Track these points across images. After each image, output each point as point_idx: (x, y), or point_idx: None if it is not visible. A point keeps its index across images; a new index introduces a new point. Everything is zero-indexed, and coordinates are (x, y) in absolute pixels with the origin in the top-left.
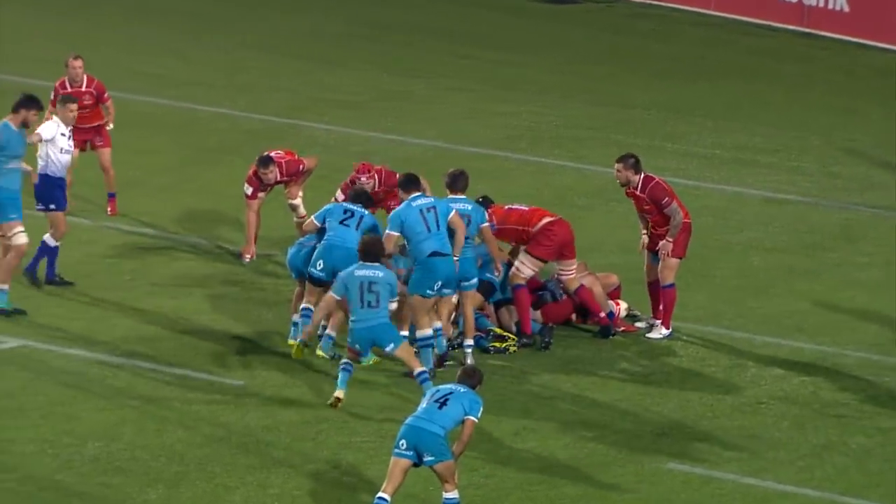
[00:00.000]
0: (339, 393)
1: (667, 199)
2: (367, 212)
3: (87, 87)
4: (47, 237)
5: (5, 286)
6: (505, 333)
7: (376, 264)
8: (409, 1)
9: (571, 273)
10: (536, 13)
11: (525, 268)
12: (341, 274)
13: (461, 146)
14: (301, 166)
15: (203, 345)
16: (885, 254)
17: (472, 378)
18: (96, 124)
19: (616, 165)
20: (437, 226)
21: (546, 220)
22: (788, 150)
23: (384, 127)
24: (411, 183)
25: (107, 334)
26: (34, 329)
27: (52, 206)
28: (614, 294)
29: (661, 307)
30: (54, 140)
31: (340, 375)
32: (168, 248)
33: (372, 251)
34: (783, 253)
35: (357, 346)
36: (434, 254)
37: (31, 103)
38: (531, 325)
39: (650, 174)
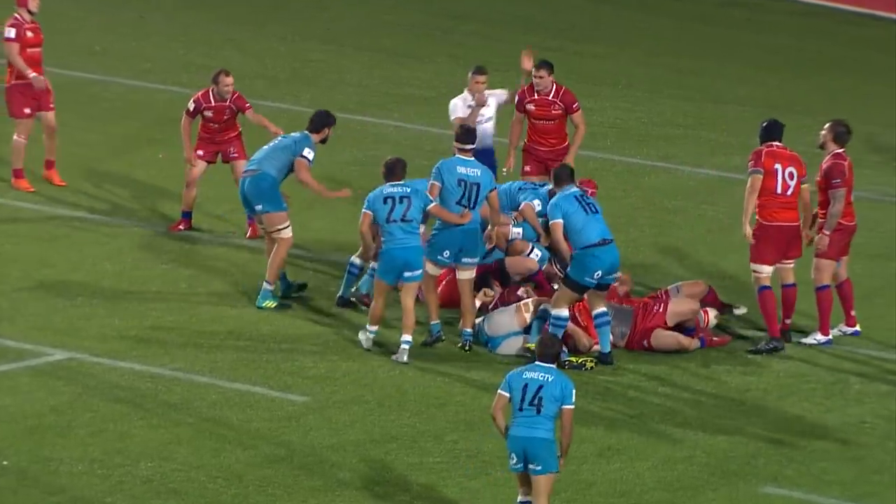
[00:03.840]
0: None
1: (838, 181)
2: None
3: (229, 102)
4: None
5: (271, 286)
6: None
7: None
8: None
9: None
10: (624, 3)
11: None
12: None
13: None
14: None
15: (264, 358)
16: None
17: (553, 347)
18: (232, 135)
19: (824, 126)
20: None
21: None
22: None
23: None
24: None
25: (161, 346)
26: (83, 340)
27: None
28: (708, 301)
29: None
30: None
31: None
32: (226, 254)
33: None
34: (889, 260)
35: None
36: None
37: (330, 119)
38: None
39: (844, 154)
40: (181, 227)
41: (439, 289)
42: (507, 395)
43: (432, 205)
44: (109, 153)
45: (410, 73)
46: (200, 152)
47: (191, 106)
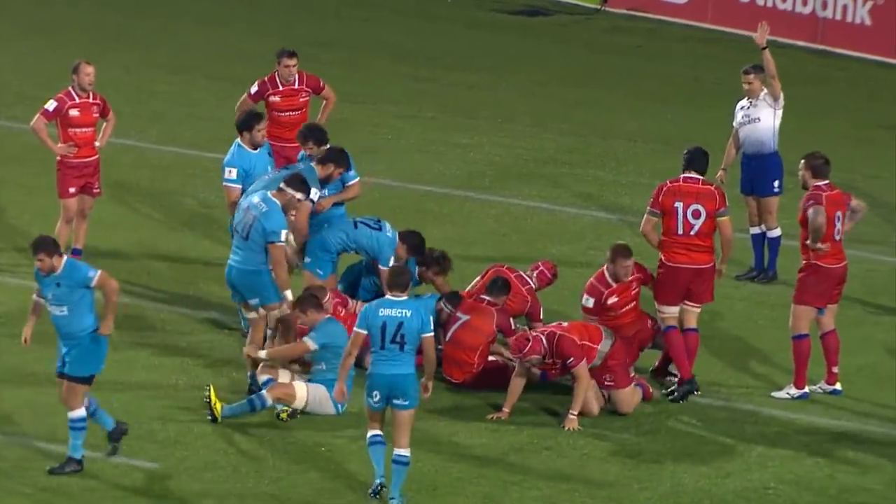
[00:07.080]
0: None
1: (811, 210)
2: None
3: (93, 98)
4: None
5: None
6: None
7: None
8: (353, 14)
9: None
10: (502, 27)
11: None
12: None
13: (412, 184)
14: None
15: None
16: None
17: (403, 276)
18: (95, 158)
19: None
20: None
21: None
22: (800, 187)
23: None
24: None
25: None
26: None
27: None
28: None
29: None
30: None
31: None
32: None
33: None
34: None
35: None
36: None
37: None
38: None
39: (823, 187)
40: None
41: None
42: (365, 332)
43: None
44: None
45: None
46: (73, 189)
47: (51, 106)
